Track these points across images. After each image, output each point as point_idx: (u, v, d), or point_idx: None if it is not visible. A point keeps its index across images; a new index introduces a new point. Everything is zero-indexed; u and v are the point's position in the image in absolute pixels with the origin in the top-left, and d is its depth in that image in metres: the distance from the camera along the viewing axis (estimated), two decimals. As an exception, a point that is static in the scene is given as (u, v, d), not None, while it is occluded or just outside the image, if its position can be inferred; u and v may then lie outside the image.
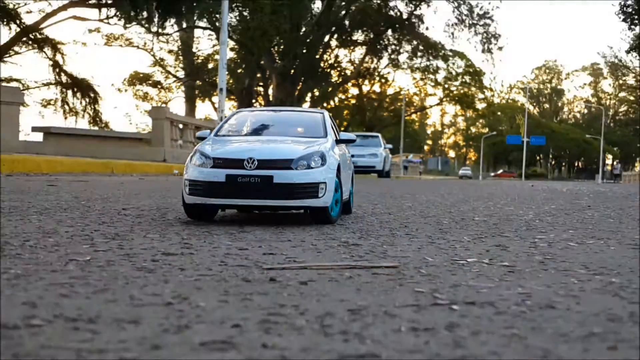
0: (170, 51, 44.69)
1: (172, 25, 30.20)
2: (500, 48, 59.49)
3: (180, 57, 44.07)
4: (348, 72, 53.08)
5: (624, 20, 45.06)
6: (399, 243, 1.72)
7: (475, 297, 1.63)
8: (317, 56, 44.22)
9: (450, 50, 56.17)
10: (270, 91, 43.26)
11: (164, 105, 41.61)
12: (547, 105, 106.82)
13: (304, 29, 41.56)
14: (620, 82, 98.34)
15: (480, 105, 66.76)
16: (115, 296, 0.97)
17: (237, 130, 1.54)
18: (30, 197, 2.80)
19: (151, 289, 0.99)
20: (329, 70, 49.71)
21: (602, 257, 2.56)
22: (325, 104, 51.21)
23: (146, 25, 23.28)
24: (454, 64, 58.29)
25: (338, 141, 1.65)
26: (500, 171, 76.50)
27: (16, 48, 25.94)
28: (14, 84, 29.84)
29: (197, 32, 40.79)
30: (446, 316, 1.32)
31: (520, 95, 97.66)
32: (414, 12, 48.16)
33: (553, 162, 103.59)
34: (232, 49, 36.13)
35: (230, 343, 0.78)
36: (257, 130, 1.50)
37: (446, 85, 61.32)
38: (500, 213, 4.26)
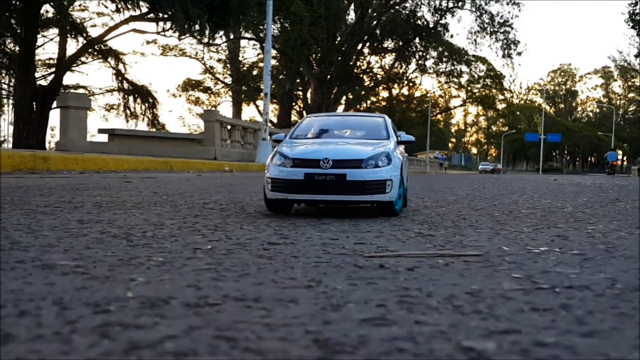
0: (219, 60, 45.02)
1: (220, 36, 30.40)
2: (519, 53, 58.54)
3: (228, 65, 44.35)
4: (379, 77, 52.82)
5: (632, 27, 44.00)
6: (467, 234, 1.65)
7: (570, 281, 1.56)
8: (351, 63, 44.07)
9: (473, 56, 55.58)
10: (308, 95, 43.33)
11: (213, 108, 41.95)
12: (562, 105, 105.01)
13: (339, 38, 41.46)
14: (630, 83, 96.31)
15: (501, 106, 65.94)
16: (259, 280, 0.92)
17: (308, 133, 1.52)
18: (116, 192, 2.79)
19: (284, 274, 0.95)
20: (361, 75, 49.53)
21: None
22: (358, 106, 51.14)
23: (198, 37, 23.41)
24: (476, 68, 57.69)
25: (399, 142, 1.62)
26: (496, 165, 75.75)
27: (82, 58, 26.35)
28: (80, 91, 30.35)
29: (243, 42, 41.01)
30: (554, 298, 1.27)
31: (538, 96, 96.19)
32: (440, 22, 47.78)
33: (568, 157, 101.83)
34: (274, 57, 36.20)
35: (386, 319, 0.73)
36: (327, 134, 1.49)
37: (469, 88, 60.71)
38: (541, 206, 4.14)
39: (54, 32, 24.12)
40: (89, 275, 1.10)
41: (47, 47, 70.71)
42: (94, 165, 8.24)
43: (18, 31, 21.01)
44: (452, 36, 61.03)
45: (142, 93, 26.59)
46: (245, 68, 44.54)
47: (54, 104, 22.57)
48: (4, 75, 24.53)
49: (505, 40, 51.63)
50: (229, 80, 45.09)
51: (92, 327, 0.78)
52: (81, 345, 0.70)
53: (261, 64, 39.95)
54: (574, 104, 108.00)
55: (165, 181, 4.63)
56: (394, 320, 0.76)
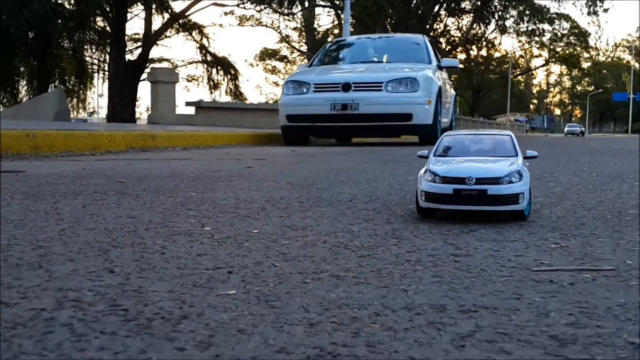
0: (294, 28, 45.30)
1: (296, 5, 30.57)
2: (605, 10, 55.46)
3: (303, 34, 44.56)
4: (456, 40, 51.63)
5: None
6: (594, 244, 1.56)
7: None
8: (427, 26, 43.25)
9: (555, 14, 53.29)
10: (385, 60, 42.90)
11: (290, 77, 42.27)
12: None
13: (414, 2, 40.72)
14: None
15: (586, 64, 63.15)
16: (482, 292, 1.04)
17: (448, 152, 1.72)
18: (254, 184, 2.99)
19: (493, 287, 1.08)
20: (439, 38, 48.53)
21: None
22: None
23: (277, 9, 23.74)
24: (559, 25, 55.35)
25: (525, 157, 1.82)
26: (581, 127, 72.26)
27: (166, 33, 27.21)
28: (165, 64, 31.37)
29: (318, 10, 40.99)
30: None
31: (626, 52, 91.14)
32: (521, -22, 45.88)
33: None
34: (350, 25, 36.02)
35: (581, 324, 0.87)
36: (465, 151, 1.68)
37: (551, 47, 58.40)
38: None
39: (139, 8, 25.04)
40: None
41: (133, 22, 72.64)
42: (194, 141, 8.68)
43: (107, 9, 21.96)
44: (534, -7, 58.56)
45: (224, 65, 27.28)
46: (320, 36, 44.60)
47: (142, 78, 23.55)
48: (94, 50, 25.77)
49: (591, -4, 49.14)
50: (304, 48, 45.33)
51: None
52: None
53: (336, 31, 39.87)
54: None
55: (274, 162, 4.90)
56: (585, 324, 0.91)
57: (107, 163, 4.65)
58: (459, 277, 1.15)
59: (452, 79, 64.00)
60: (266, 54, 47.34)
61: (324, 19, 63.87)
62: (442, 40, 49.74)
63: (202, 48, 26.26)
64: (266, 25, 40.72)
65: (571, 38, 57.09)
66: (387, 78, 9.32)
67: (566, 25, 55.92)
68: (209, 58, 26.93)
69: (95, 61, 26.58)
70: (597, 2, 50.39)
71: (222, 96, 28.76)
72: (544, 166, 4.18)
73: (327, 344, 0.80)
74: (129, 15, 23.47)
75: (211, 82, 27.22)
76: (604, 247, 1.45)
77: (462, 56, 57.19)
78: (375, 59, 11.44)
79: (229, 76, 27.07)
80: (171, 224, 1.78)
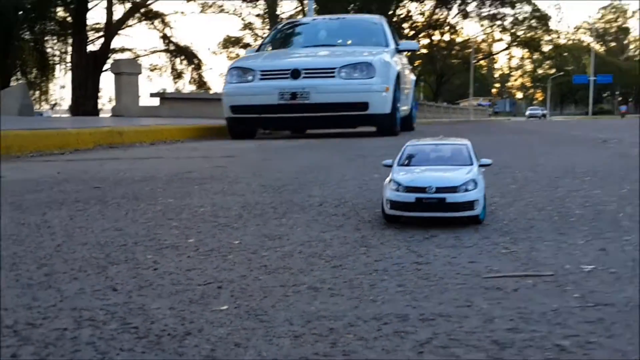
0: (257, 15, 45.06)
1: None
2: (566, -8, 56.48)
3: (267, 20, 44.40)
4: (419, 25, 52.08)
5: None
6: (538, 247, 1.72)
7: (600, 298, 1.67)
8: (390, 12, 43.53)
9: (517, -3, 54.15)
10: (349, 47, 43.05)
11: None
12: (613, 44, 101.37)
13: (378, -14, 40.88)
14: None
15: (547, 47, 64.29)
16: (441, 300, 1.20)
17: (411, 161, 1.87)
18: (227, 186, 3.12)
19: (449, 295, 1.26)
20: (401, 23, 48.86)
21: None
22: (399, 56, 50.53)
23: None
24: (520, 9, 56.26)
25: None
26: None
27: (129, 22, 26.91)
28: (127, 54, 31.01)
29: (281, -4, 40.89)
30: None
31: (587, 35, 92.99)
32: (483, -37, 46.46)
33: (620, 99, 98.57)
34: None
35: (520, 329, 1.04)
36: (425, 161, 1.84)
37: (513, 30, 59.30)
38: (592, 202, 3.60)
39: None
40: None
41: (94, 12, 71.11)
42: (161, 135, 8.74)
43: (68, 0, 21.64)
44: (495, -22, 59.37)
45: (187, 54, 27.17)
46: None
47: (104, 69, 23.27)
48: (56, 42, 25.38)
49: (551, -20, 49.94)
50: (269, 35, 45.19)
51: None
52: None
53: (299, 17, 39.81)
54: (625, 42, 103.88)
55: (243, 159, 5.03)
56: (522, 329, 1.10)
57: (79, 164, 4.74)
58: (420, 287, 1.34)
59: (415, 64, 64.83)
60: (229, 42, 47.04)
61: (287, 5, 63.52)
62: (405, 25, 50.11)
63: (165, 38, 26.08)
64: (228, 13, 40.39)
65: (532, 21, 58.09)
66: (340, 63, 8.61)
67: (527, 8, 56.87)
68: (171, 47, 26.76)
69: (57, 52, 26.18)
70: (557, -14, 51.35)
71: (186, 86, 28.62)
72: (504, 160, 4.42)
73: (310, 354, 0.97)
74: (89, 5, 23.12)
75: (174, 72, 27.05)
76: (547, 251, 1.65)
77: (426, 41, 57.67)
78: (329, 42, 10.51)
79: (192, 65, 26.94)
80: (157, 236, 1.93)
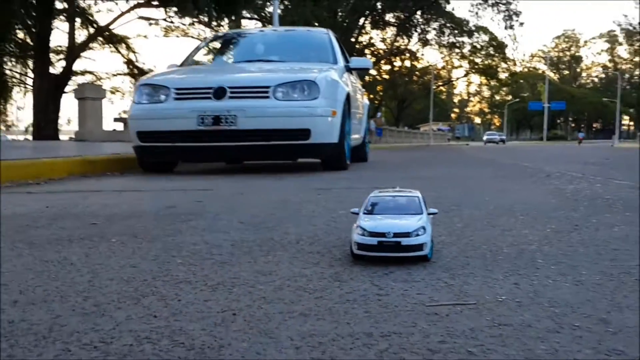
0: (220, 39, 45.57)
1: (223, 18, 31.02)
2: (521, 24, 58.97)
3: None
4: (381, 51, 53.49)
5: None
6: (472, 282, 2.44)
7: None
8: (353, 39, 44.69)
9: (474, 26, 56.18)
10: (311, 72, 43.88)
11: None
12: (566, 72, 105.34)
13: (340, 14, 42.06)
14: (636, 47, 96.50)
15: (503, 75, 66.54)
16: (405, 319, 1.80)
17: (374, 209, 2.33)
18: (209, 222, 3.54)
19: (402, 319, 1.85)
20: (363, 49, 50.12)
21: None
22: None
23: (206, 23, 24.20)
24: (478, 38, 58.31)
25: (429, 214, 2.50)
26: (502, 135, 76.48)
27: (91, 45, 27.09)
28: (88, 77, 31.12)
29: (244, 22, 41.53)
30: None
31: (541, 63, 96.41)
32: (441, -7, 48.20)
33: (573, 125, 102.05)
34: (277, 37, 36.72)
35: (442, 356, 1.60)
36: (386, 209, 2.29)
37: (471, 58, 61.32)
38: (530, 248, 5.03)
39: (62, 19, 24.87)
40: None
41: (55, 35, 70.75)
42: (132, 163, 9.12)
43: (29, 23, 21.79)
44: (453, 9, 61.51)
45: (151, 78, 27.45)
46: (248, 46, 45.12)
47: (65, 91, 23.38)
48: (15, 64, 25.43)
49: (507, 12, 52.11)
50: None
51: None
52: None
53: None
54: (578, 70, 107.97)
55: (219, 193, 5.49)
56: (448, 341, 1.67)
57: (63, 197, 5.14)
58: (380, 312, 1.85)
59: (378, 89, 65.67)
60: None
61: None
62: (367, 51, 51.40)
63: (129, 62, 26.36)
64: (192, 37, 40.82)
65: (490, 49, 60.20)
66: (276, 81, 7.15)
67: (485, 37, 58.98)
68: (135, 71, 27.04)
69: (16, 74, 26.17)
70: (513, 17, 53.60)
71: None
72: (456, 197, 5.01)
73: (308, 359, 1.48)
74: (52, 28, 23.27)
75: (138, 96, 27.27)
76: (475, 284, 2.19)
77: (387, 67, 59.14)
78: (267, 58, 9.03)
79: (156, 90, 27.22)
80: (170, 272, 2.40)
